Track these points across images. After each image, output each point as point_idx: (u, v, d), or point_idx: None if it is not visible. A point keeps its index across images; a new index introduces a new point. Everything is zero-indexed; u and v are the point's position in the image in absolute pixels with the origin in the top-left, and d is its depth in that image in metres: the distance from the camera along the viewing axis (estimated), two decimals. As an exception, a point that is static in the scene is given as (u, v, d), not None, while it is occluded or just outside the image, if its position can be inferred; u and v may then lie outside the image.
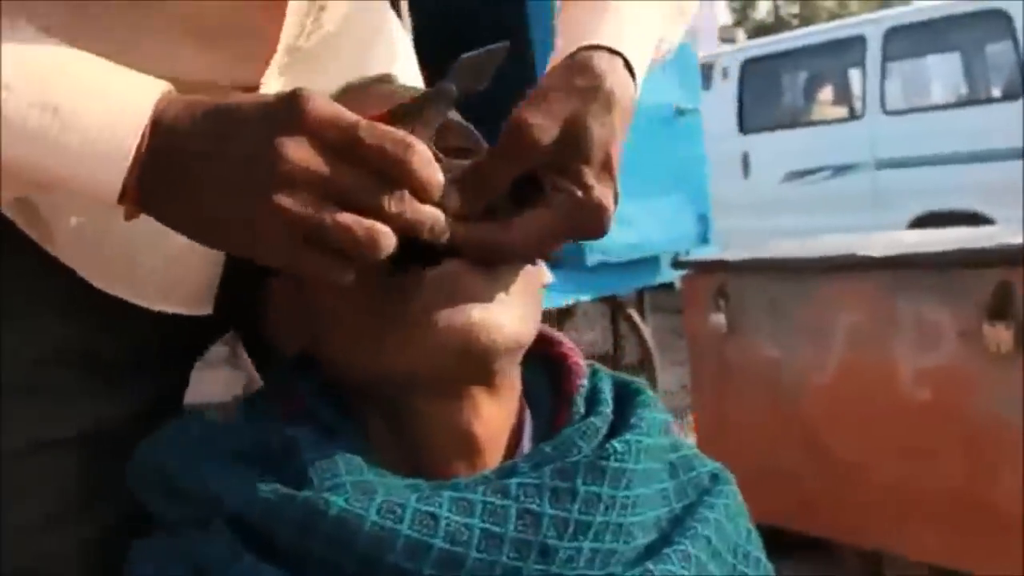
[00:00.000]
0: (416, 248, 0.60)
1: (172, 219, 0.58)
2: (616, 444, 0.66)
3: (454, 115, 0.74)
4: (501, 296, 0.65)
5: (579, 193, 0.64)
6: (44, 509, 0.70)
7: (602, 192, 0.64)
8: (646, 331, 3.64)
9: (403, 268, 0.63)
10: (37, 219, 0.69)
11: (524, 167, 0.64)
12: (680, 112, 3.47)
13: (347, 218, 0.53)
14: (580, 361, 0.75)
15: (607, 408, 0.70)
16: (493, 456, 0.68)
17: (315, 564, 0.60)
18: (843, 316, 2.22)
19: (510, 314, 0.65)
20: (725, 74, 6.79)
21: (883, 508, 2.15)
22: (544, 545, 0.61)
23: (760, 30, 15.21)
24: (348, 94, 0.73)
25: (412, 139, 0.55)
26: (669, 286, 3.75)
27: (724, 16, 17.18)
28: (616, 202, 0.66)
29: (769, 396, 2.36)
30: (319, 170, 0.53)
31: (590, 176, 0.64)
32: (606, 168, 0.64)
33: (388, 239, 0.54)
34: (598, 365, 0.77)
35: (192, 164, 0.55)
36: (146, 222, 0.59)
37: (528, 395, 0.73)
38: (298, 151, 0.53)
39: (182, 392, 0.78)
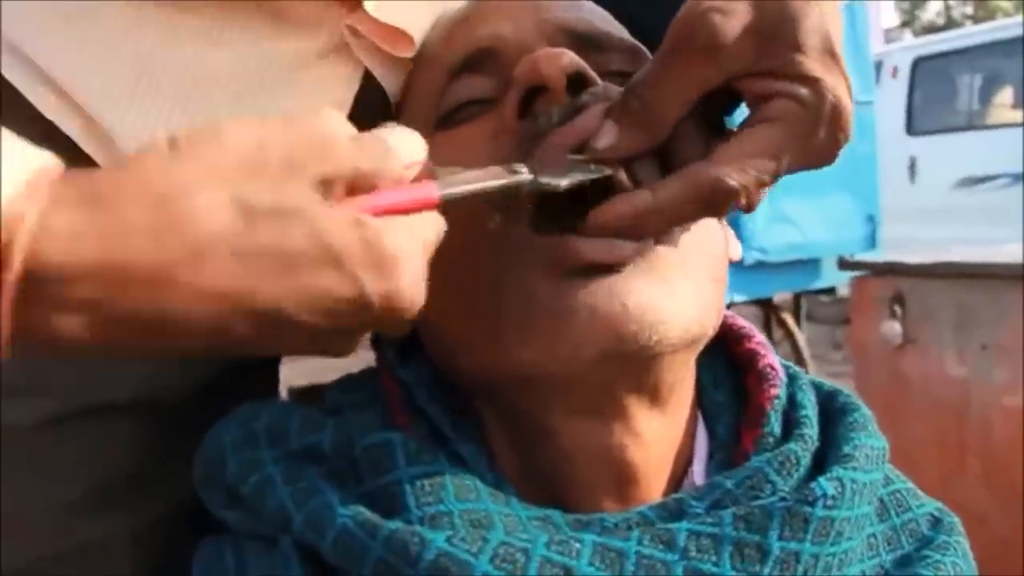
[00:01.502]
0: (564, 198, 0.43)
1: None
2: (826, 484, 0.47)
3: (621, 32, 0.57)
4: (672, 273, 0.47)
5: (803, 90, 0.44)
6: (92, 485, 0.58)
7: (835, 84, 0.44)
8: (801, 338, 3.41)
9: (537, 226, 0.46)
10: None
11: (708, 79, 0.45)
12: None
13: None
14: (775, 364, 0.56)
15: (811, 431, 0.52)
16: (653, 486, 0.51)
17: None
18: (1044, 333, 1.99)
19: (682, 298, 0.47)
20: (895, 72, 6.44)
21: (1086, 558, 1.90)
22: None
23: (929, 32, 14.44)
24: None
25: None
26: (828, 292, 3.51)
27: (889, 18, 16.38)
28: (851, 99, 0.45)
29: (951, 420, 2.15)
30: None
31: (812, 66, 0.44)
32: (829, 54, 0.44)
33: None
34: (797, 369, 0.58)
35: None
36: None
37: (702, 404, 0.55)
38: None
39: (271, 367, 0.65)
